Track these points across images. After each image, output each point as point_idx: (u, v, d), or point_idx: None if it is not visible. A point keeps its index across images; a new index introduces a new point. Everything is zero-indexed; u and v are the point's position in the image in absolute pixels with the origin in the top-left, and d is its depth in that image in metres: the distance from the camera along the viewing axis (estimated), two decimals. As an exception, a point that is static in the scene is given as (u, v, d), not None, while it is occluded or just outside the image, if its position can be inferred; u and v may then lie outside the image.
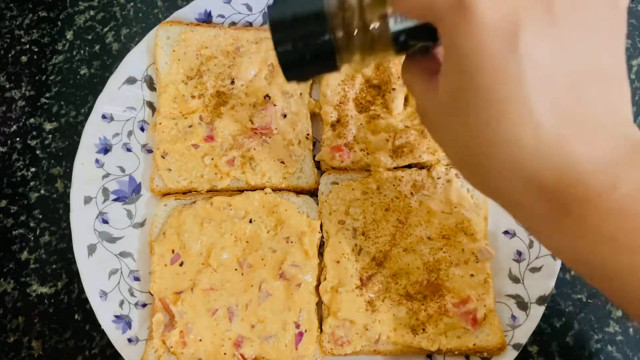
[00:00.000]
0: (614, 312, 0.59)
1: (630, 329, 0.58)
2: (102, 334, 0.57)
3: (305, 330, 0.56)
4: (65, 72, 0.70)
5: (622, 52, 0.30)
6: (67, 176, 0.64)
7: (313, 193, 0.62)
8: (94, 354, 0.59)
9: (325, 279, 0.57)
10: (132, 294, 0.58)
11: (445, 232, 0.57)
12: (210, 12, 0.66)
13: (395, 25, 0.33)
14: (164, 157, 0.61)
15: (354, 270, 0.57)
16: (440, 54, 0.36)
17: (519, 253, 0.58)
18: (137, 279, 0.59)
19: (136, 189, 0.62)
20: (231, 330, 0.56)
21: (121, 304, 0.57)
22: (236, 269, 0.58)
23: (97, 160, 0.61)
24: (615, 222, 0.28)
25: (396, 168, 0.60)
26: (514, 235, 0.58)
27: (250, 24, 0.67)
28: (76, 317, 0.61)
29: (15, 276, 0.62)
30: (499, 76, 0.28)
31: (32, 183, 0.65)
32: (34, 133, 0.67)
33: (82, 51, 0.71)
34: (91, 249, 0.58)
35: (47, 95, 0.69)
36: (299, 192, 0.61)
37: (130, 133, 0.63)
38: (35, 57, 0.71)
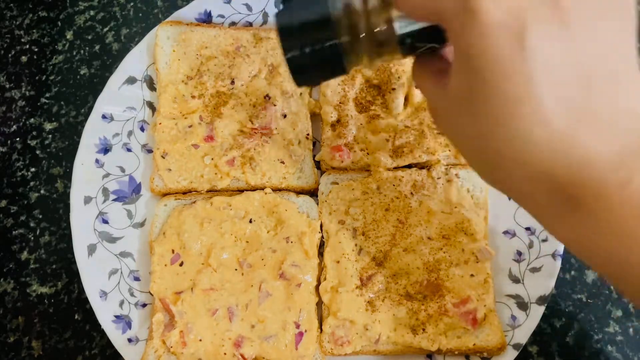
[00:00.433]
0: (613, 312, 0.59)
1: (630, 329, 0.58)
2: (102, 334, 0.57)
3: (305, 330, 0.56)
4: (65, 72, 0.70)
5: (632, 48, 0.31)
6: (67, 176, 0.64)
7: (313, 193, 0.62)
8: (94, 354, 0.59)
9: (325, 279, 0.57)
10: (132, 294, 0.58)
11: (445, 232, 0.57)
12: (210, 12, 0.66)
13: (401, 28, 0.34)
14: (164, 157, 0.61)
15: (354, 270, 0.57)
16: (448, 54, 0.37)
17: (519, 253, 0.58)
18: (137, 279, 0.59)
19: (136, 189, 0.62)
20: (231, 330, 0.56)
21: (121, 304, 0.57)
22: (236, 269, 0.58)
23: (97, 160, 0.61)
24: (627, 215, 0.28)
25: (396, 168, 0.60)
26: (514, 235, 0.58)
27: (250, 24, 0.67)
28: (76, 317, 0.61)
29: (15, 276, 0.62)
30: (509, 75, 0.29)
31: (32, 183, 0.65)
32: (34, 133, 0.67)
33: (82, 51, 0.71)
34: (91, 249, 0.58)
35: (47, 95, 0.69)
36: (299, 192, 0.61)
37: (130, 133, 0.63)
38: (35, 57, 0.71)
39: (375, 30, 0.34)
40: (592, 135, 0.29)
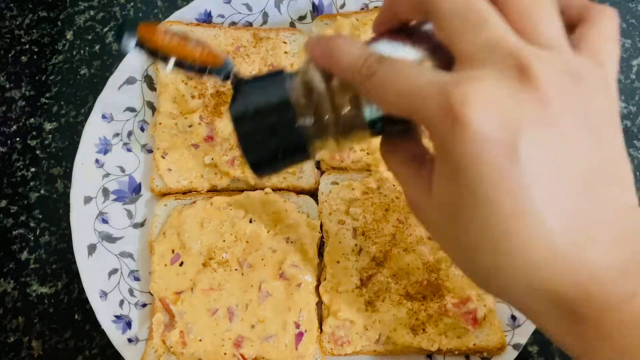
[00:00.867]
0: (614, 312, 0.59)
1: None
2: (102, 334, 0.57)
3: (305, 330, 0.56)
4: (65, 72, 0.70)
5: (621, 140, 0.29)
6: (67, 176, 0.64)
7: (313, 193, 0.62)
8: (94, 354, 0.59)
9: (325, 279, 0.57)
10: (132, 294, 0.58)
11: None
12: (210, 12, 0.66)
13: (370, 111, 0.30)
14: (164, 157, 0.61)
15: (354, 270, 0.57)
16: (422, 136, 0.34)
17: (519, 253, 0.57)
18: (137, 279, 0.59)
19: (136, 189, 0.62)
20: (231, 330, 0.56)
21: (121, 304, 0.57)
22: (236, 269, 0.58)
23: (97, 160, 0.61)
24: (632, 331, 0.27)
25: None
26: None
27: (250, 24, 0.67)
28: (76, 317, 0.61)
29: (15, 276, 0.62)
30: (503, 189, 0.26)
31: (32, 183, 0.65)
32: (34, 133, 0.67)
33: (82, 51, 0.71)
34: (91, 249, 0.58)
35: (47, 95, 0.69)
36: (299, 192, 0.61)
37: (130, 133, 0.63)
38: (35, 57, 0.71)
39: (342, 113, 0.30)
40: (597, 248, 0.27)
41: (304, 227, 0.59)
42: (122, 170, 0.62)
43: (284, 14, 0.67)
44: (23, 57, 0.71)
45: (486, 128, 0.26)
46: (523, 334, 0.54)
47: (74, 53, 0.71)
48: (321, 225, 0.59)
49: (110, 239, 0.59)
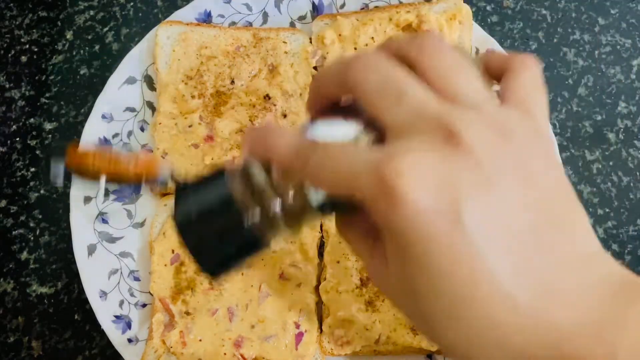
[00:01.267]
0: (614, 312, 0.59)
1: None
2: (102, 334, 0.57)
3: (305, 330, 0.56)
4: (65, 72, 0.70)
5: (563, 178, 0.28)
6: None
7: (313, 193, 0.62)
8: (94, 354, 0.59)
9: (325, 279, 0.57)
10: (132, 294, 0.58)
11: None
12: (210, 12, 0.66)
13: (316, 195, 0.30)
14: (163, 157, 0.61)
15: (354, 270, 0.57)
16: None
17: (519, 253, 0.57)
18: (137, 279, 0.59)
19: (136, 189, 0.62)
20: (231, 330, 0.56)
21: (121, 304, 0.57)
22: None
23: (97, 160, 0.61)
24: None
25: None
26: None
27: (250, 24, 0.67)
28: (76, 317, 0.61)
29: (15, 276, 0.62)
30: (454, 259, 0.25)
31: (32, 183, 0.65)
32: (34, 133, 0.67)
33: (82, 51, 0.71)
34: (91, 249, 0.58)
35: (47, 95, 0.69)
36: (299, 192, 0.61)
37: (130, 133, 0.63)
38: (35, 57, 0.71)
39: (288, 202, 0.30)
40: (560, 306, 0.25)
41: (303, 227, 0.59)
42: (122, 170, 0.62)
43: (284, 14, 0.67)
44: (23, 57, 0.71)
45: (424, 199, 0.25)
46: (523, 334, 0.54)
47: (74, 53, 0.71)
48: (321, 225, 0.59)
49: (110, 239, 0.59)
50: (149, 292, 0.57)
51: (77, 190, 0.60)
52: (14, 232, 0.64)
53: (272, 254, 0.58)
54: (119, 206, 0.61)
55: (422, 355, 0.56)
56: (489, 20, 0.71)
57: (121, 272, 0.59)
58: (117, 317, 0.57)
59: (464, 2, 0.64)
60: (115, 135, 0.62)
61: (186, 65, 0.64)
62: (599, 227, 0.63)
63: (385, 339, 0.55)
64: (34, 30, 0.72)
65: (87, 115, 0.63)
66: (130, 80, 0.64)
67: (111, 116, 0.63)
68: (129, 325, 0.57)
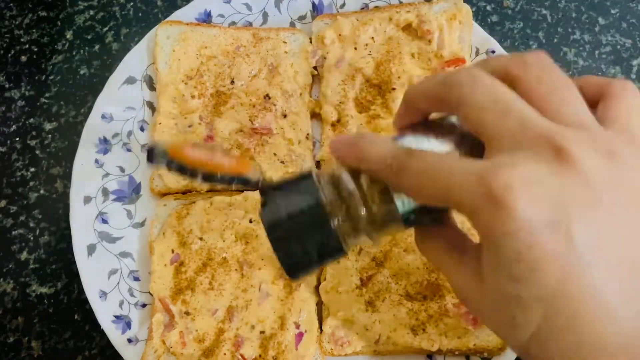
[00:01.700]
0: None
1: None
2: (102, 334, 0.57)
3: (305, 331, 0.56)
4: (65, 72, 0.70)
5: None
6: (67, 176, 0.64)
7: (313, 193, 0.62)
8: (93, 354, 0.59)
9: (325, 279, 0.57)
10: (132, 294, 0.58)
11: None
12: (210, 12, 0.66)
13: (403, 205, 0.31)
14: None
15: (354, 270, 0.57)
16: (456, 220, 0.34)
17: (519, 253, 0.57)
18: (137, 279, 0.59)
19: (136, 189, 0.62)
20: (231, 330, 0.56)
21: (121, 304, 0.57)
22: (236, 269, 0.57)
23: (96, 160, 0.61)
24: None
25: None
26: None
27: (250, 24, 0.67)
28: (76, 317, 0.60)
29: (15, 276, 0.62)
30: (563, 277, 0.26)
31: (31, 183, 0.65)
32: (34, 133, 0.67)
33: (81, 51, 0.71)
34: (91, 249, 0.58)
35: (47, 95, 0.69)
36: (299, 192, 0.61)
37: (130, 133, 0.63)
38: (34, 57, 0.71)
39: (374, 210, 0.31)
40: None
41: (304, 227, 0.59)
42: (122, 170, 0.62)
43: (284, 14, 0.67)
44: (23, 57, 0.71)
45: (535, 214, 0.25)
46: (523, 334, 0.54)
47: (74, 53, 0.71)
48: (321, 225, 0.59)
49: (110, 239, 0.59)
50: (149, 292, 0.57)
51: (77, 190, 0.60)
52: (13, 232, 0.64)
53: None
54: (118, 206, 0.61)
55: (422, 355, 0.56)
56: (489, 20, 0.71)
57: (121, 272, 0.59)
58: (117, 317, 0.57)
59: (464, 1, 0.64)
60: (115, 135, 0.62)
61: (186, 65, 0.64)
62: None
63: (385, 339, 0.55)
64: (34, 30, 0.72)
65: (87, 115, 0.63)
66: (130, 80, 0.64)
67: (111, 116, 0.63)
68: (128, 325, 0.57)
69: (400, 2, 0.66)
